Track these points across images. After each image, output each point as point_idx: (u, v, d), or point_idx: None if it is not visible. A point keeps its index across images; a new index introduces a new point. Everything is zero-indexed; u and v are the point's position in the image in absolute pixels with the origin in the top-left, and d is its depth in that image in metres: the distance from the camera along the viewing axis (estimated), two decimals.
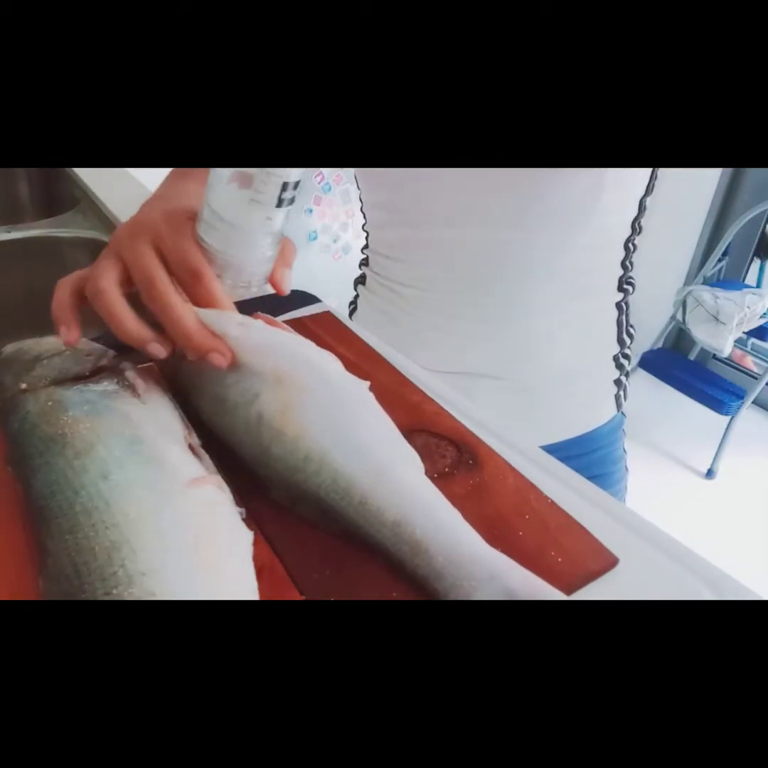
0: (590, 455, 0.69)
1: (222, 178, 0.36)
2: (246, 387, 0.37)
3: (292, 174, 0.36)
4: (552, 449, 0.67)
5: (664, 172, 0.62)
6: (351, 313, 0.77)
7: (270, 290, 0.42)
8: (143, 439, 0.33)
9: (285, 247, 0.41)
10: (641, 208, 0.62)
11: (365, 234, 0.73)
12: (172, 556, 0.28)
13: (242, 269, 0.38)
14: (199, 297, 0.37)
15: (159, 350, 0.37)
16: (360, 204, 0.72)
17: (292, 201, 0.37)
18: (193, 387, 0.40)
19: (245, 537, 0.32)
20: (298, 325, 0.55)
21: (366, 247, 0.74)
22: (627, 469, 0.74)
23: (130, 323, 0.36)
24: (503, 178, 0.56)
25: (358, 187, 0.71)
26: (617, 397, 0.71)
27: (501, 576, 0.29)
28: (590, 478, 0.69)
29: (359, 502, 0.32)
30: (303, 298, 0.63)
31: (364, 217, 0.72)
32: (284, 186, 0.36)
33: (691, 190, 2.40)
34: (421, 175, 0.60)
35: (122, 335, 0.36)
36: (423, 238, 0.63)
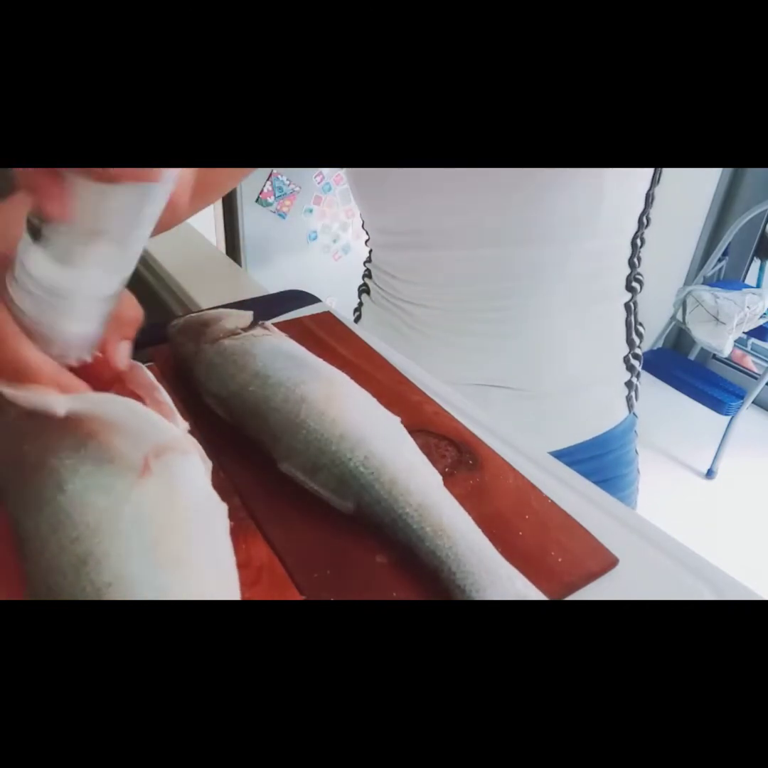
0: (603, 458, 0.69)
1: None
2: (295, 373, 0.39)
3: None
4: (565, 453, 0.67)
5: (664, 171, 0.62)
6: (356, 321, 0.77)
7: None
8: (87, 439, 0.31)
9: (124, 312, 0.33)
10: (648, 200, 0.61)
11: (369, 249, 0.72)
12: (136, 560, 0.26)
13: (56, 342, 0.31)
14: (5, 367, 0.30)
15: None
16: (362, 221, 0.71)
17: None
18: (230, 361, 0.41)
19: (217, 511, 0.30)
20: (298, 325, 0.55)
21: (368, 260, 0.74)
22: (639, 472, 0.73)
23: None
24: (502, 195, 0.56)
25: (356, 203, 0.70)
26: (629, 399, 0.70)
27: (516, 581, 0.30)
28: (604, 480, 0.69)
29: (389, 479, 0.33)
30: (303, 298, 0.63)
31: (367, 233, 0.71)
32: None
33: (691, 190, 2.40)
34: (420, 197, 0.59)
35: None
36: (428, 260, 0.63)
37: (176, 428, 0.32)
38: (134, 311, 0.34)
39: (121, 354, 0.34)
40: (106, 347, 0.33)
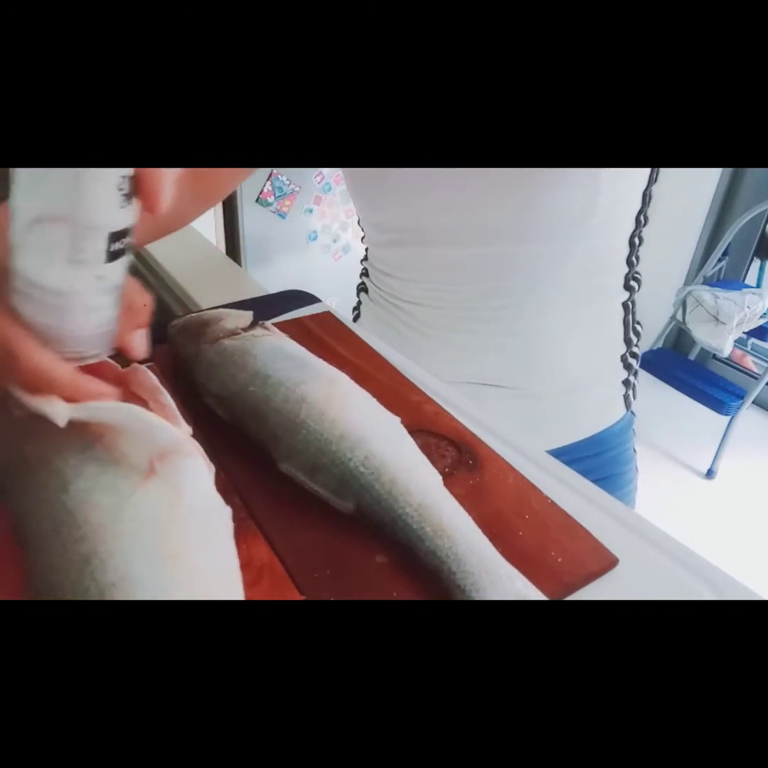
0: (601, 456, 0.69)
1: (23, 228, 0.28)
2: (295, 373, 0.39)
3: (119, 222, 0.28)
4: (563, 452, 0.67)
5: (664, 171, 0.61)
6: (355, 319, 0.77)
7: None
8: (94, 441, 0.31)
9: (134, 301, 0.33)
10: (645, 199, 0.61)
11: (365, 248, 0.72)
12: (140, 560, 0.26)
13: (70, 341, 0.30)
14: (23, 378, 0.29)
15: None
16: (357, 218, 0.71)
17: (124, 252, 0.30)
18: (230, 361, 0.41)
19: (221, 514, 0.30)
20: (298, 325, 0.55)
21: (365, 259, 0.73)
22: (637, 470, 0.74)
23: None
24: (501, 194, 0.56)
25: (353, 200, 0.70)
26: (626, 397, 0.70)
27: (516, 581, 0.30)
28: (602, 478, 0.69)
29: (389, 479, 0.33)
30: (303, 298, 0.63)
31: (363, 230, 0.71)
32: (112, 237, 0.28)
33: (691, 190, 2.40)
34: (420, 196, 0.59)
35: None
36: (425, 258, 0.63)
37: (180, 431, 0.32)
38: (143, 297, 0.33)
39: (139, 343, 0.33)
40: (123, 338, 0.32)
